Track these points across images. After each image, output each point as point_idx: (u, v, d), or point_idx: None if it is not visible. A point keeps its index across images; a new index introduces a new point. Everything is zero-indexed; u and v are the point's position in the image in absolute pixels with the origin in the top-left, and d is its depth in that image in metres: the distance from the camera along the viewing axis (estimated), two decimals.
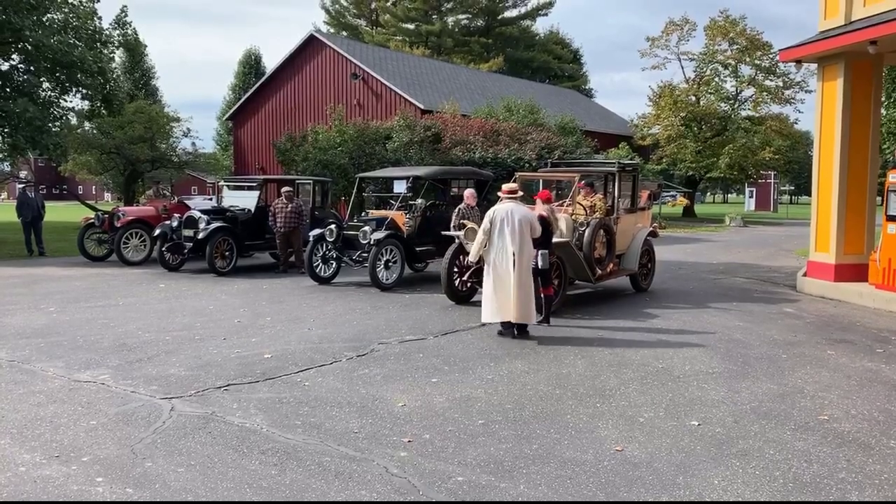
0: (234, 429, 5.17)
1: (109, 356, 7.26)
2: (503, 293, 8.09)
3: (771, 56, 37.95)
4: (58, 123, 23.52)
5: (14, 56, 22.48)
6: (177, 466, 4.49)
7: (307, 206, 15.00)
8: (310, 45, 33.12)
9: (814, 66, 13.46)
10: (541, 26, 70.75)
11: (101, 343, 7.85)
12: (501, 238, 8.10)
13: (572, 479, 4.37)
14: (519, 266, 8.04)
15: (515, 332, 8.25)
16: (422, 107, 28.46)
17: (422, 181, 13.43)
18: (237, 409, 5.59)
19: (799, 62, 13.88)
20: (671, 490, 4.23)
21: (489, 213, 8.34)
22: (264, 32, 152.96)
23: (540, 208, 8.98)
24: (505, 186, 8.57)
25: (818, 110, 12.32)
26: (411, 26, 58.97)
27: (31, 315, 9.53)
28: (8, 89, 21.93)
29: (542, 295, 8.82)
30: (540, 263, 8.63)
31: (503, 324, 8.31)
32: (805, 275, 12.68)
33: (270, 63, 50.37)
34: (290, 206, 14.00)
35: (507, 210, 8.17)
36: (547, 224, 8.77)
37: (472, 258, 8.78)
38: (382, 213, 12.92)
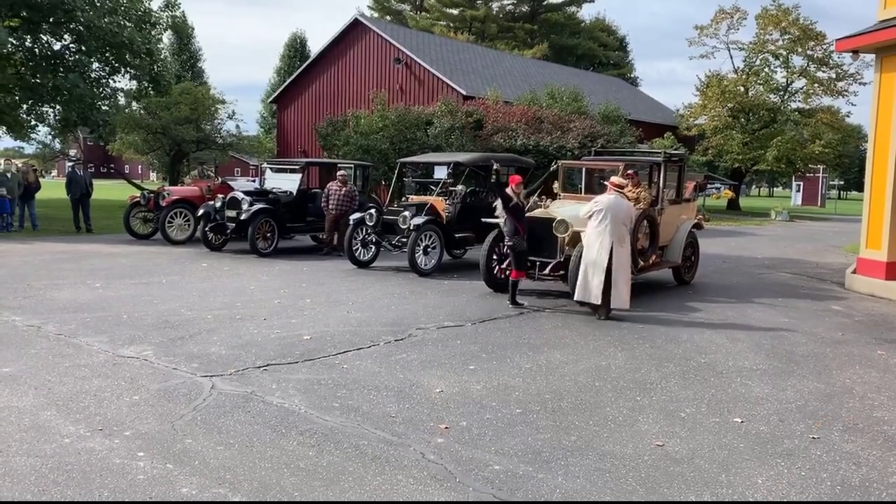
0: (272, 409, 5.21)
1: (152, 333, 7.38)
2: (591, 278, 8.63)
3: (824, 46, 36.79)
4: (107, 102, 24.00)
5: (66, 36, 22.93)
6: (216, 444, 4.54)
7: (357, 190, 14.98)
8: (354, 30, 33.14)
9: (870, 56, 13.00)
10: (586, 13, 70.12)
11: (144, 320, 7.99)
12: (602, 227, 8.61)
13: (612, 473, 4.30)
14: (617, 255, 8.58)
15: (600, 316, 8.75)
16: (464, 93, 28.31)
17: (463, 167, 13.34)
18: (276, 390, 5.63)
19: (856, 52, 13.39)
20: (713, 488, 4.13)
21: (595, 200, 8.88)
22: (310, 16, 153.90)
23: (511, 194, 9.60)
24: (614, 179, 9.08)
25: (874, 103, 11.92)
26: (455, 11, 58.68)
27: (78, 290, 9.74)
28: (61, 69, 22.41)
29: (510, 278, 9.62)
30: (516, 246, 9.40)
31: (591, 305, 8.86)
32: (854, 272, 12.32)
33: (315, 47, 50.56)
34: (343, 189, 14.05)
35: (612, 201, 8.67)
36: (518, 209, 9.50)
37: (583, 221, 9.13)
38: (422, 198, 12.88)
